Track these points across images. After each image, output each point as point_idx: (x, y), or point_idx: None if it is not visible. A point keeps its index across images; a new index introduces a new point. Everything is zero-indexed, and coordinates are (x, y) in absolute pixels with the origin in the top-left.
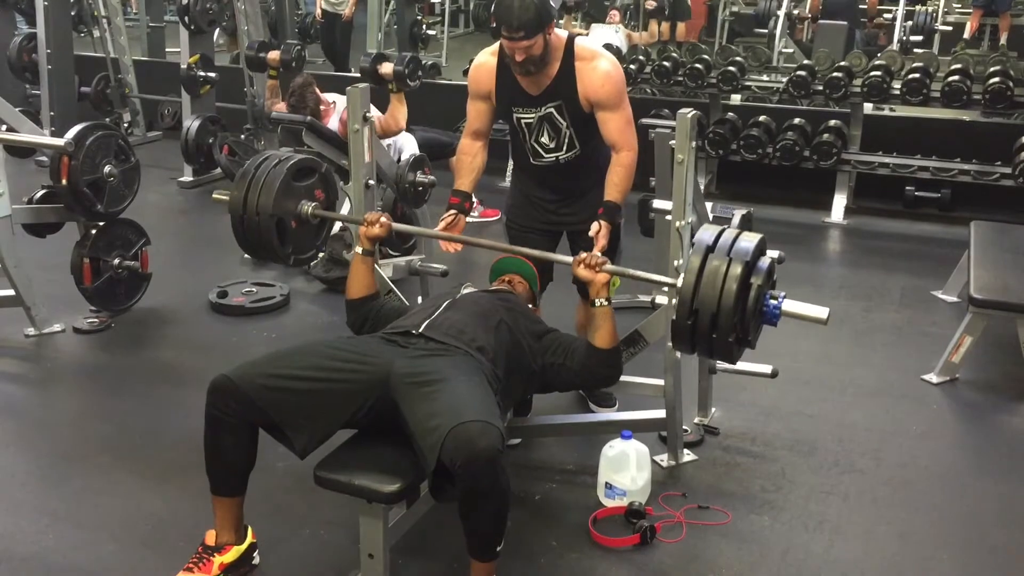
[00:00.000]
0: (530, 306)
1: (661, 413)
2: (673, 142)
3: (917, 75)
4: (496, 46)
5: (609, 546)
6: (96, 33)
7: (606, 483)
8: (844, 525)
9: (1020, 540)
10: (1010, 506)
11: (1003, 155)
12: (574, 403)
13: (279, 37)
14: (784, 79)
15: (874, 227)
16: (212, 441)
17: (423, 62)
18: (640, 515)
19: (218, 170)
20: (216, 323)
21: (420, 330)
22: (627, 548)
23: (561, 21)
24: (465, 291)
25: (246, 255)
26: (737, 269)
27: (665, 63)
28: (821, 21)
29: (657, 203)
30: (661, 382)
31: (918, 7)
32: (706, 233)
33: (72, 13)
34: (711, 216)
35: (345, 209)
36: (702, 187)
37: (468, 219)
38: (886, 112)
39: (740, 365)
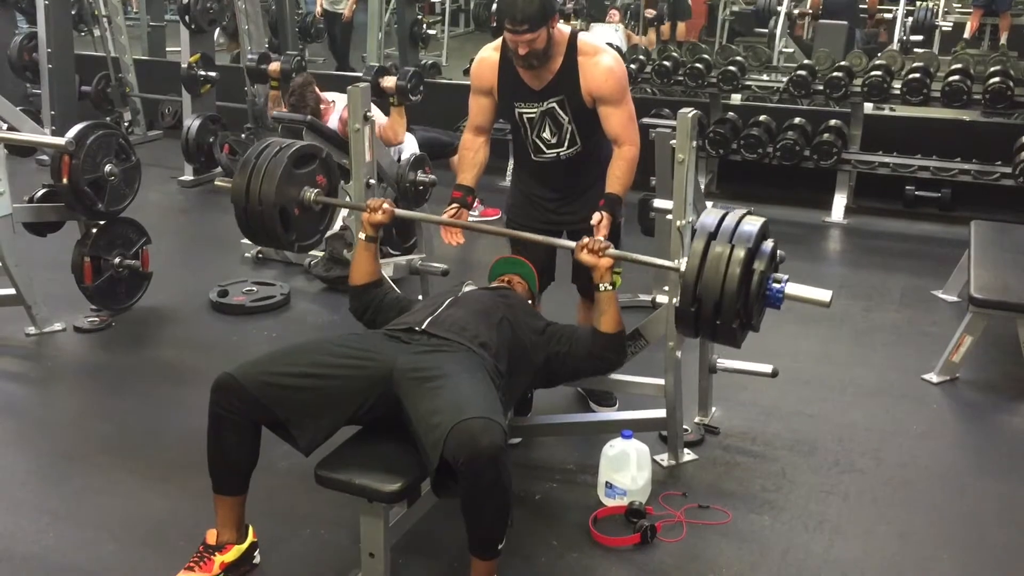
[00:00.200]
0: (530, 302)
1: (661, 413)
2: (674, 142)
3: (917, 75)
4: (499, 41)
5: (609, 545)
6: (97, 32)
7: (606, 482)
8: (844, 525)
9: (1020, 540)
10: (1010, 506)
11: (1003, 155)
12: (574, 402)
13: (279, 36)
14: (784, 79)
15: (874, 227)
16: (215, 440)
17: (423, 62)
18: (640, 514)
19: (219, 169)
20: (216, 322)
21: (423, 326)
22: (627, 548)
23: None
24: (467, 289)
25: (246, 254)
26: (740, 253)
27: (665, 63)
28: (821, 20)
29: (658, 202)
30: (661, 382)
31: (918, 3)
32: (709, 217)
33: (73, 12)
34: None
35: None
36: (702, 186)
37: (468, 217)
38: (886, 112)
39: (740, 365)
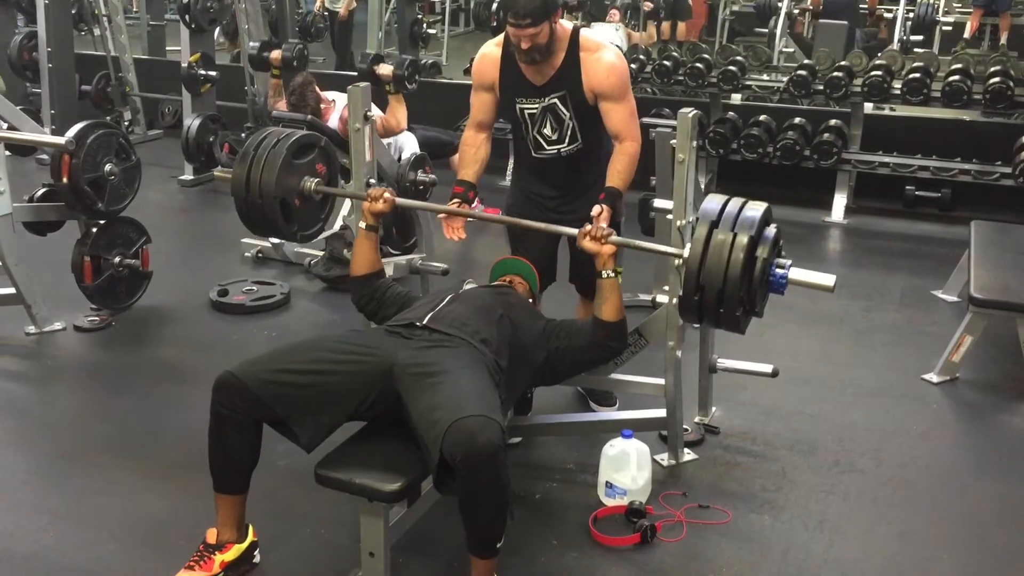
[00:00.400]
0: (530, 302)
1: (662, 412)
2: (674, 141)
3: (917, 75)
4: (501, 37)
5: (609, 545)
6: (97, 31)
7: (606, 482)
8: (844, 525)
9: (1020, 540)
10: (1010, 506)
11: (1003, 155)
12: (574, 402)
13: (280, 36)
14: (784, 79)
15: (874, 226)
16: (217, 438)
17: (423, 61)
18: (640, 514)
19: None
20: (217, 322)
21: (424, 322)
22: (627, 547)
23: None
24: (467, 286)
25: (246, 254)
26: (743, 240)
27: (666, 62)
28: (821, 20)
29: (658, 202)
30: (661, 381)
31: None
32: (711, 204)
33: (73, 11)
34: None
35: (345, 207)
36: (703, 186)
37: None
38: (886, 112)
39: (741, 364)
